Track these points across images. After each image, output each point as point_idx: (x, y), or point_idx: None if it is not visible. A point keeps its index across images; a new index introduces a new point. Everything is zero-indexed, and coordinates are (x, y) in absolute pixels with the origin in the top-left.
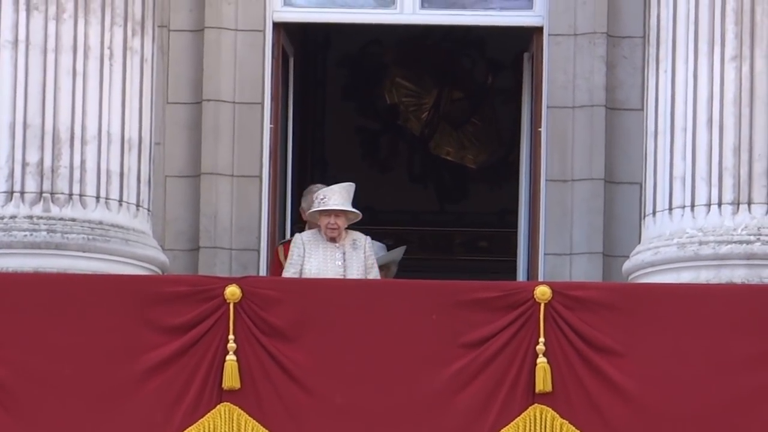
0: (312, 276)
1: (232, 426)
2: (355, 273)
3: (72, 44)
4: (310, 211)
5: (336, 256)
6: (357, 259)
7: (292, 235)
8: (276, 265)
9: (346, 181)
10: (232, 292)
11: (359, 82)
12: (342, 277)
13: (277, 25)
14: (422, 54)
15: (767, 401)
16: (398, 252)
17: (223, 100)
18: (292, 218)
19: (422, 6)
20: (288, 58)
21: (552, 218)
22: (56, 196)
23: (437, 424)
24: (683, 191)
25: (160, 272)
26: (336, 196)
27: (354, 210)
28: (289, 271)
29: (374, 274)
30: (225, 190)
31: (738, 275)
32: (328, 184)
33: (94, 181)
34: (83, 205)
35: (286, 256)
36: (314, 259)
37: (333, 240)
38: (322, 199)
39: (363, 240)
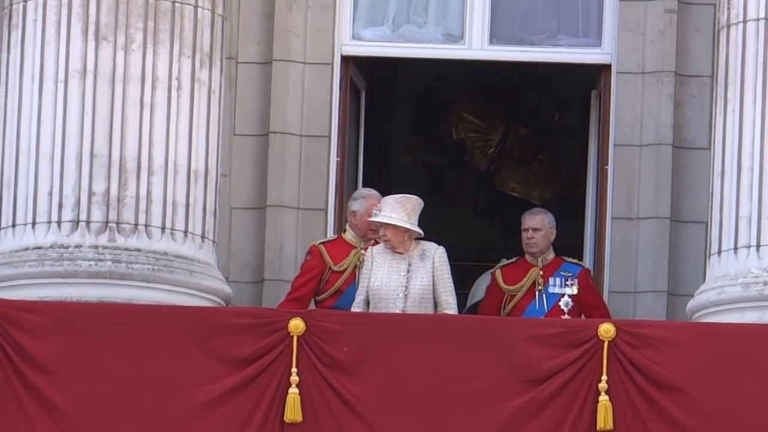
0: (375, 289)
1: None
2: (417, 284)
3: (140, 75)
4: (369, 219)
5: (401, 267)
6: (423, 269)
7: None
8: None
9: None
10: (296, 325)
11: (426, 117)
12: (404, 288)
13: (345, 59)
14: (489, 90)
15: None
16: None
17: (289, 132)
18: None
19: (490, 42)
20: (359, 92)
21: (617, 256)
22: (122, 226)
23: None
24: (749, 231)
25: (224, 304)
26: (387, 209)
27: (402, 225)
28: (361, 285)
29: (444, 285)
30: (290, 222)
31: None
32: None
33: (160, 212)
34: (149, 235)
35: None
36: (379, 271)
37: (398, 251)
38: (377, 208)
39: (433, 250)
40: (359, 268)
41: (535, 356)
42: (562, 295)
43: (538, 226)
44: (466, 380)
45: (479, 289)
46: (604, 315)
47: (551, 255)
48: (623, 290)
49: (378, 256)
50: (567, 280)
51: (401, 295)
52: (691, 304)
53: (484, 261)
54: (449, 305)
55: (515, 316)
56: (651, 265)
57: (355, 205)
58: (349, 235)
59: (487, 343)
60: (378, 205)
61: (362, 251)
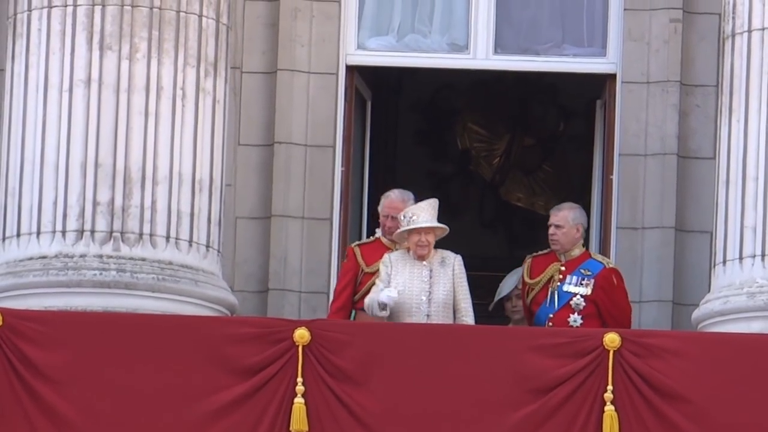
0: (399, 293)
1: None
2: (441, 290)
3: (145, 84)
4: (399, 231)
5: (423, 273)
6: (445, 276)
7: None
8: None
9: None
10: (301, 334)
11: (431, 127)
12: (428, 293)
13: (350, 68)
14: (494, 99)
15: None
16: None
17: (294, 142)
18: None
19: (495, 51)
20: (364, 101)
21: (622, 266)
22: (126, 235)
23: None
24: (754, 241)
25: (229, 314)
26: (424, 214)
27: (442, 225)
28: (379, 287)
29: (463, 293)
30: (295, 232)
31: None
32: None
33: (165, 221)
34: (153, 245)
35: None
36: (400, 277)
37: (422, 258)
38: (410, 217)
39: (452, 258)
40: None
41: (541, 366)
42: (575, 295)
43: (561, 222)
44: (472, 390)
45: (506, 285)
46: (618, 318)
47: (577, 251)
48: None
49: (396, 261)
50: (583, 279)
51: (425, 299)
52: (696, 313)
53: (489, 270)
54: (468, 313)
55: (533, 310)
56: (656, 274)
57: (379, 207)
58: (384, 238)
59: (493, 352)
60: (408, 212)
61: None
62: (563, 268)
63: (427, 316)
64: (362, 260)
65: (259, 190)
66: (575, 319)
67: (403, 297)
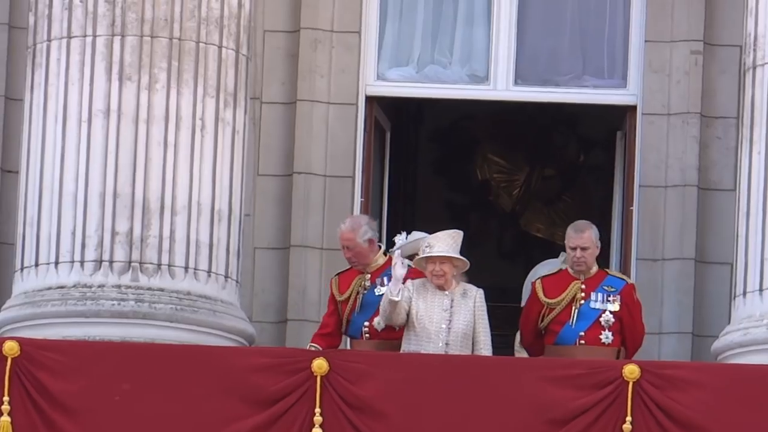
0: (418, 318)
1: None
2: (461, 320)
3: (164, 114)
4: (417, 258)
5: (444, 303)
6: (465, 307)
7: None
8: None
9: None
10: (320, 365)
11: (451, 157)
12: (448, 322)
13: (369, 99)
14: (514, 130)
15: None
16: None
17: (313, 172)
18: None
19: (515, 83)
20: (384, 132)
21: (642, 297)
22: (145, 265)
23: None
24: None
25: (247, 344)
26: (441, 243)
27: (460, 257)
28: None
29: (483, 326)
30: (314, 263)
31: None
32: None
33: (183, 252)
34: (172, 275)
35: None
36: (421, 302)
37: (441, 288)
38: (427, 246)
39: (474, 291)
40: (360, 294)
41: (560, 397)
42: (603, 311)
43: (587, 244)
44: (491, 420)
45: (537, 276)
46: (635, 336)
47: (595, 268)
48: (648, 331)
49: (418, 287)
50: (609, 296)
51: (444, 327)
52: (716, 345)
53: (507, 301)
54: (486, 346)
55: (553, 330)
56: (676, 306)
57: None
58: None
59: (512, 383)
60: (426, 240)
61: (367, 276)
62: (584, 286)
63: (446, 344)
64: (336, 289)
65: (278, 221)
66: (607, 336)
67: (423, 323)
